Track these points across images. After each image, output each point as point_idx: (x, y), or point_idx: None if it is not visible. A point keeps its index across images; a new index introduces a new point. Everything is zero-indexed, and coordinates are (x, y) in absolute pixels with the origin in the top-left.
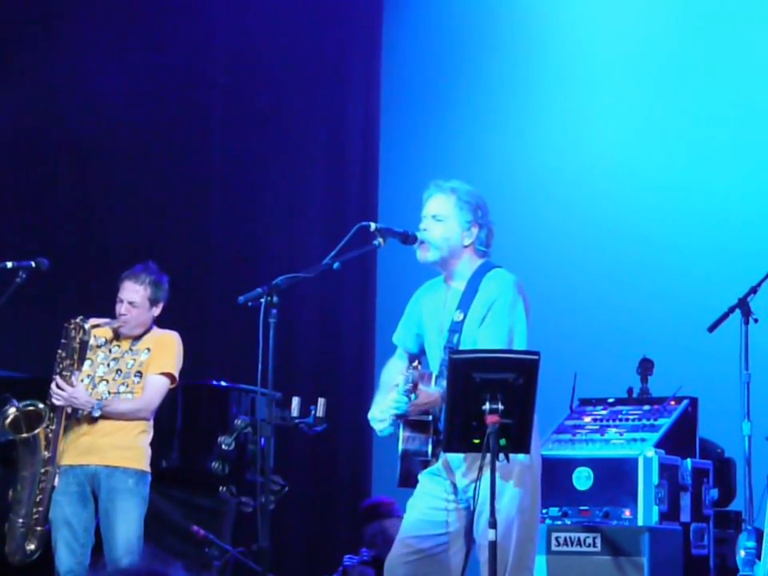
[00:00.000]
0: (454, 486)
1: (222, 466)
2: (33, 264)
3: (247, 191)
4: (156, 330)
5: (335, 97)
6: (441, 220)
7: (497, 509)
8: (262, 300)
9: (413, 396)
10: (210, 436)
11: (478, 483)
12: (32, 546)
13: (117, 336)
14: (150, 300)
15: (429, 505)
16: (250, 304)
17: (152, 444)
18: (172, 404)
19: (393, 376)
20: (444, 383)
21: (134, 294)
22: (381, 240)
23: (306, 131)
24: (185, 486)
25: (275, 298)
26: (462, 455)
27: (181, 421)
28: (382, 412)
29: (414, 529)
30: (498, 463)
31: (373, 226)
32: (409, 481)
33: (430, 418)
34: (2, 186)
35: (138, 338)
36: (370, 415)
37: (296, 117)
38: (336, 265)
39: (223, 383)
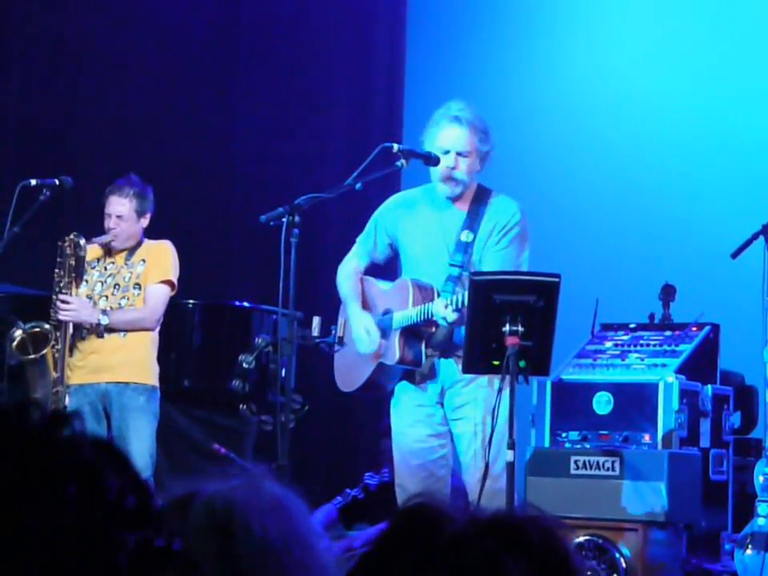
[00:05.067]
0: (443, 407)
1: (243, 384)
2: (56, 182)
3: (271, 111)
4: (148, 242)
5: (361, 18)
6: (466, 156)
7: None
8: (284, 220)
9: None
10: (231, 356)
11: (497, 403)
12: None
13: (109, 253)
14: (136, 212)
15: (430, 432)
16: (271, 224)
17: (173, 363)
18: (193, 324)
19: (355, 285)
20: (447, 298)
21: (121, 207)
22: (403, 161)
23: (330, 52)
24: (206, 405)
25: (297, 218)
26: (456, 376)
27: (203, 341)
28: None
29: (420, 456)
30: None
31: (395, 147)
32: (372, 390)
33: (433, 329)
34: (26, 103)
35: (131, 252)
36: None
37: (321, 38)
38: (358, 185)
39: (245, 304)
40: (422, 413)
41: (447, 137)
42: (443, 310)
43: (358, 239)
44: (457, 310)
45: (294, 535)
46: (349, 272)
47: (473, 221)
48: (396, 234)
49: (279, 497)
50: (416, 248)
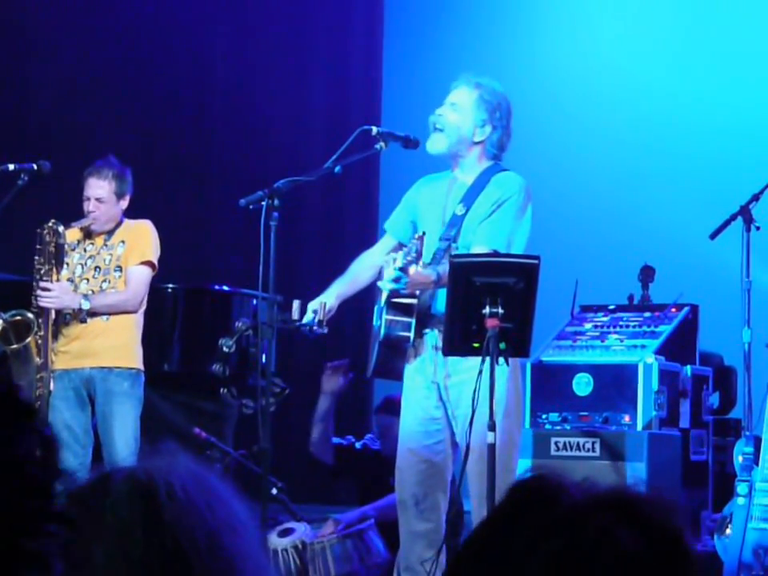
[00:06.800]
0: (438, 387)
1: (223, 368)
2: (35, 166)
3: (249, 94)
4: (128, 222)
5: (340, 1)
6: (457, 110)
7: (481, 412)
8: (263, 203)
9: (416, 266)
10: (211, 340)
11: (477, 386)
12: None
13: (89, 235)
14: (116, 194)
15: (424, 416)
16: (251, 207)
17: (153, 348)
18: (173, 308)
19: (363, 267)
20: (437, 268)
21: (100, 190)
22: (382, 144)
23: (308, 34)
24: (187, 389)
25: (276, 201)
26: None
27: (182, 325)
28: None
29: (414, 440)
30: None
31: (374, 129)
32: (387, 373)
33: (416, 301)
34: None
35: (110, 233)
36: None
37: (298, 19)
38: (337, 168)
39: (225, 287)
40: (419, 395)
41: (451, 92)
42: (386, 275)
43: (386, 221)
44: (399, 269)
45: (216, 498)
46: (359, 259)
47: (471, 195)
48: (416, 210)
49: (196, 466)
50: (422, 223)
